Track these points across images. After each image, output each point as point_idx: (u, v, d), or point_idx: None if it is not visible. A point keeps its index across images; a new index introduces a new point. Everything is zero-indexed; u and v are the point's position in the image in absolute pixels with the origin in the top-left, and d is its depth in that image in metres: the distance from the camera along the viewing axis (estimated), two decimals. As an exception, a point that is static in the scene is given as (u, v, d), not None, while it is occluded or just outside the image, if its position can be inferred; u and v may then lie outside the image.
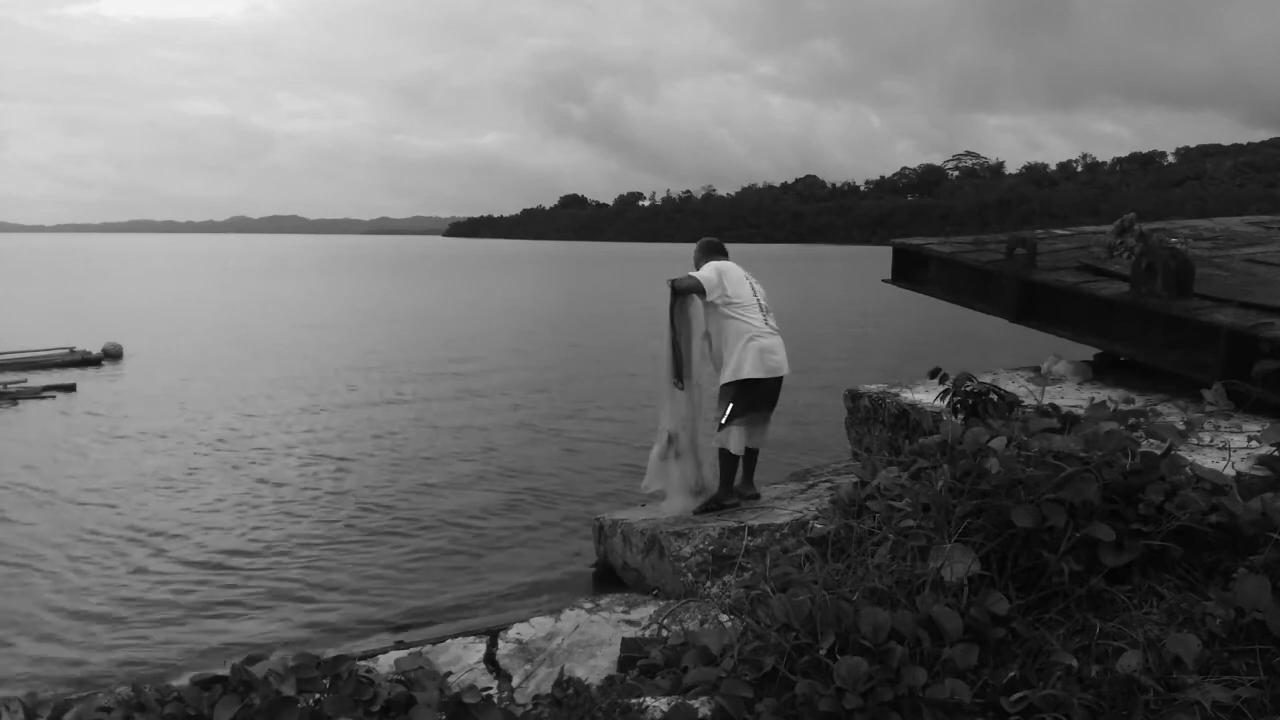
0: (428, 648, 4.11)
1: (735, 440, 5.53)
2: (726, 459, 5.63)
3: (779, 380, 5.60)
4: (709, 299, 5.51)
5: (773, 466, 7.20)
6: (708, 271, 5.58)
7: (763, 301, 5.58)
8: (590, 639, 4.19)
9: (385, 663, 3.26)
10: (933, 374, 3.78)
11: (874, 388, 5.21)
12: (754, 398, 5.49)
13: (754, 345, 5.41)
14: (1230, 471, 2.74)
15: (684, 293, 5.55)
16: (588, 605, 4.70)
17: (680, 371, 5.57)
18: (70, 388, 14.55)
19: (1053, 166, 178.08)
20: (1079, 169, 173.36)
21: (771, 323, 5.57)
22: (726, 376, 5.49)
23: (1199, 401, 3.12)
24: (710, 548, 5.06)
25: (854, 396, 5.32)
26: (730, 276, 5.57)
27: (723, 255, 5.87)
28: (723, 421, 5.51)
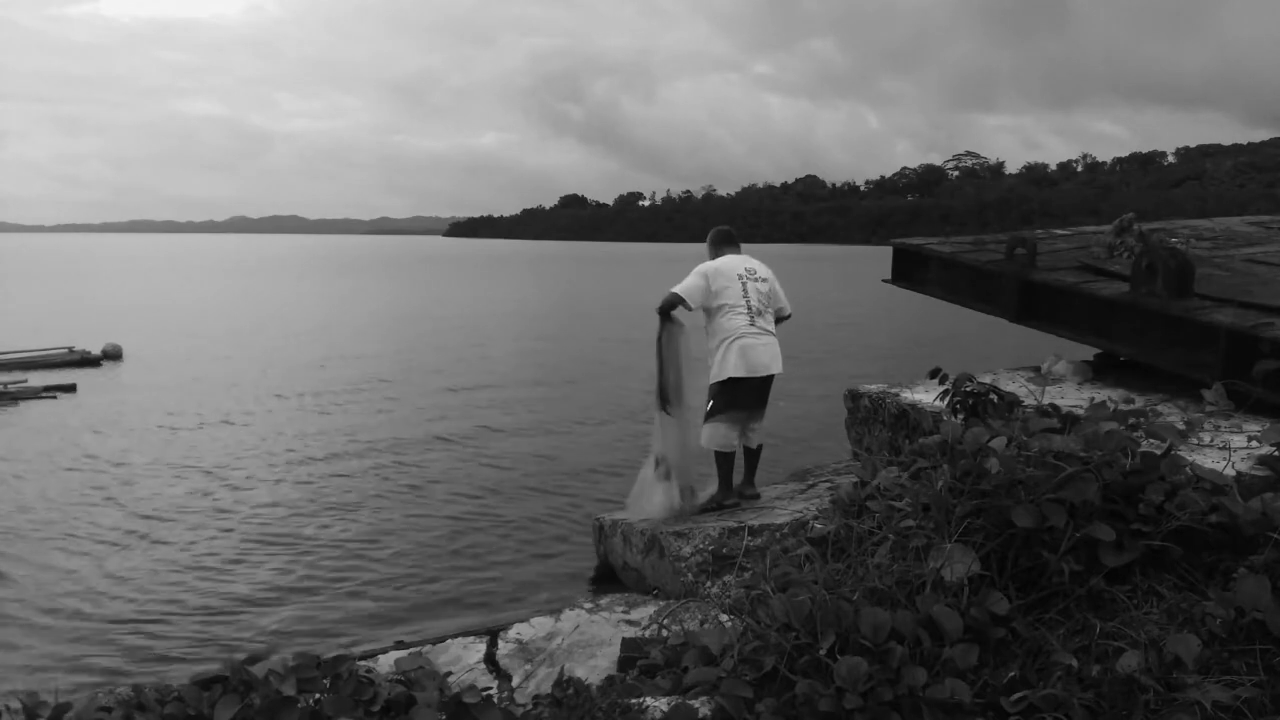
0: (428, 648, 4.11)
1: (716, 437, 5.55)
2: (720, 458, 5.64)
3: (766, 379, 5.56)
4: (695, 308, 5.49)
5: (773, 466, 7.20)
6: (693, 278, 5.50)
7: (754, 302, 5.48)
8: (590, 639, 4.19)
9: (385, 663, 3.26)
10: (933, 374, 3.78)
11: (874, 388, 5.21)
12: (736, 396, 5.49)
13: (735, 345, 5.40)
14: (1230, 471, 2.74)
15: (668, 312, 5.50)
16: (588, 605, 4.70)
17: (667, 397, 5.57)
18: (70, 388, 14.56)
19: (1053, 166, 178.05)
20: (1079, 169, 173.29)
21: (762, 323, 5.49)
22: (710, 377, 5.52)
23: (1199, 401, 3.12)
24: (710, 548, 5.06)
25: (854, 396, 5.32)
26: (720, 277, 5.49)
27: (732, 246, 5.80)
28: (704, 419, 5.56)
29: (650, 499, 5.70)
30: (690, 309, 5.50)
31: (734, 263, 5.62)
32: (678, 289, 5.47)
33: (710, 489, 5.81)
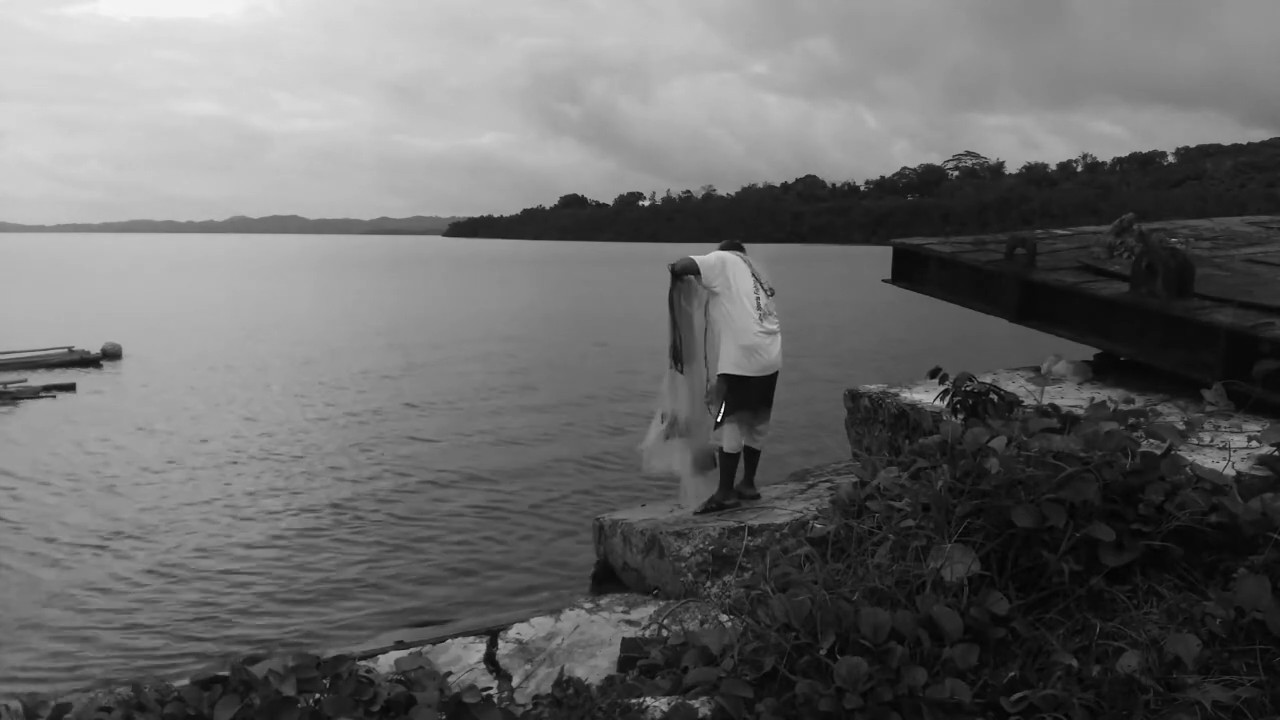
0: (428, 648, 4.11)
1: (730, 438, 5.56)
2: (725, 458, 5.64)
3: (771, 377, 5.58)
4: (704, 283, 5.51)
5: (773, 466, 7.20)
6: (710, 258, 5.57)
7: (762, 301, 5.54)
8: (590, 639, 4.19)
9: (385, 663, 3.26)
10: (933, 374, 3.77)
11: (874, 388, 5.20)
12: (743, 395, 5.50)
13: (741, 343, 5.42)
14: (1230, 471, 2.73)
15: (681, 274, 5.55)
16: (588, 605, 4.70)
17: (678, 355, 5.61)
18: (70, 387, 14.57)
19: (1053, 166, 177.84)
20: (1079, 169, 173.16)
21: (768, 324, 5.53)
22: (717, 366, 5.54)
23: (1199, 401, 3.11)
24: (710, 548, 5.06)
25: (854, 396, 5.32)
26: (736, 267, 5.54)
27: (742, 254, 5.83)
28: (718, 420, 5.54)
29: (666, 456, 5.72)
30: (699, 280, 5.51)
31: (745, 262, 5.66)
32: (697, 258, 5.51)
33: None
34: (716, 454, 5.70)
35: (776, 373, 5.61)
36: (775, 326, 5.59)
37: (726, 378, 5.48)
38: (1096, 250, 5.77)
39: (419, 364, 18.02)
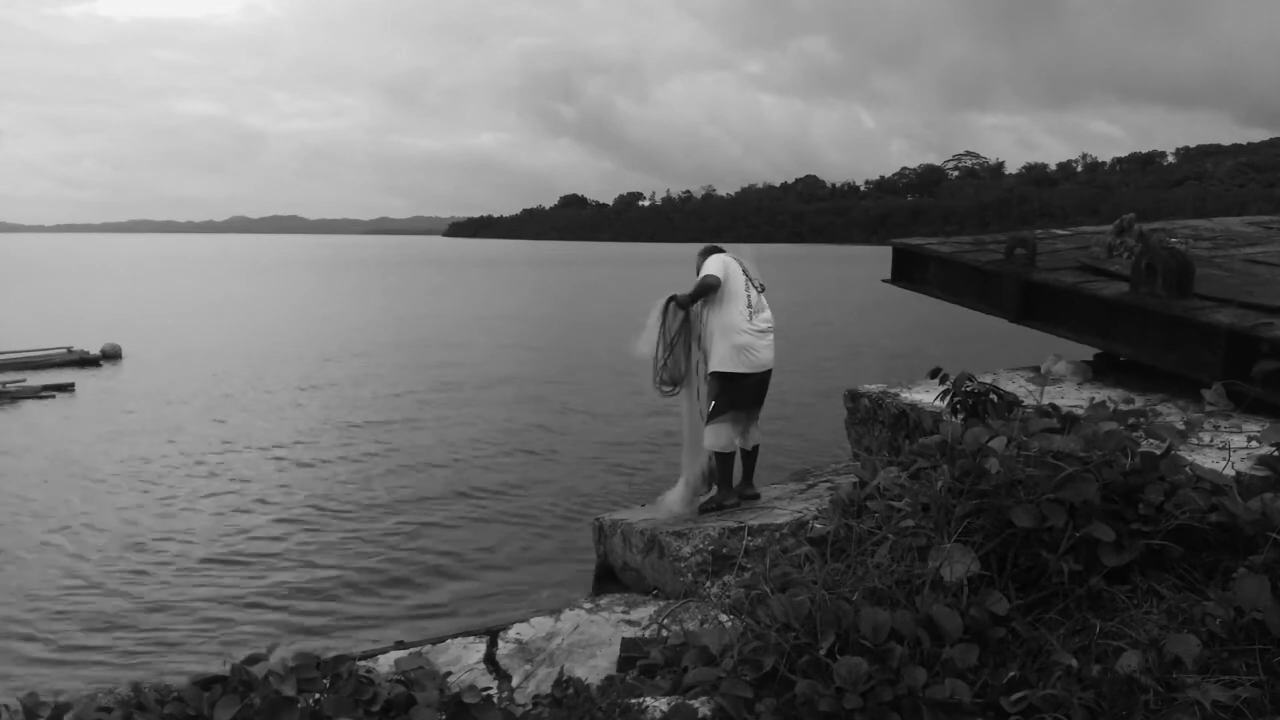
0: (428, 648, 4.11)
1: (722, 437, 5.56)
2: (721, 458, 5.64)
3: (764, 375, 5.58)
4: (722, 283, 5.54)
5: (773, 466, 7.20)
6: (714, 265, 5.57)
7: (753, 299, 5.54)
8: (590, 639, 4.19)
9: (385, 663, 3.27)
10: (933, 374, 3.77)
11: (874, 388, 5.20)
12: (736, 394, 5.50)
13: (733, 342, 5.43)
14: (1230, 471, 2.73)
15: (706, 294, 5.51)
16: (588, 605, 4.70)
17: (662, 377, 5.65)
18: (69, 387, 14.58)
19: (1052, 166, 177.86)
20: (1078, 169, 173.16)
21: (759, 322, 5.53)
22: (711, 366, 5.53)
23: (1199, 401, 3.11)
24: (710, 548, 5.06)
25: (854, 396, 5.32)
26: (729, 267, 5.58)
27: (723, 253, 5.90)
28: (705, 419, 5.54)
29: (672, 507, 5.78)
30: (714, 294, 5.52)
31: (737, 260, 5.70)
32: (714, 271, 5.52)
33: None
34: (712, 458, 5.70)
35: (770, 371, 5.61)
36: (767, 325, 5.58)
37: (719, 376, 5.48)
38: (1096, 250, 5.77)
39: (417, 365, 18.02)
